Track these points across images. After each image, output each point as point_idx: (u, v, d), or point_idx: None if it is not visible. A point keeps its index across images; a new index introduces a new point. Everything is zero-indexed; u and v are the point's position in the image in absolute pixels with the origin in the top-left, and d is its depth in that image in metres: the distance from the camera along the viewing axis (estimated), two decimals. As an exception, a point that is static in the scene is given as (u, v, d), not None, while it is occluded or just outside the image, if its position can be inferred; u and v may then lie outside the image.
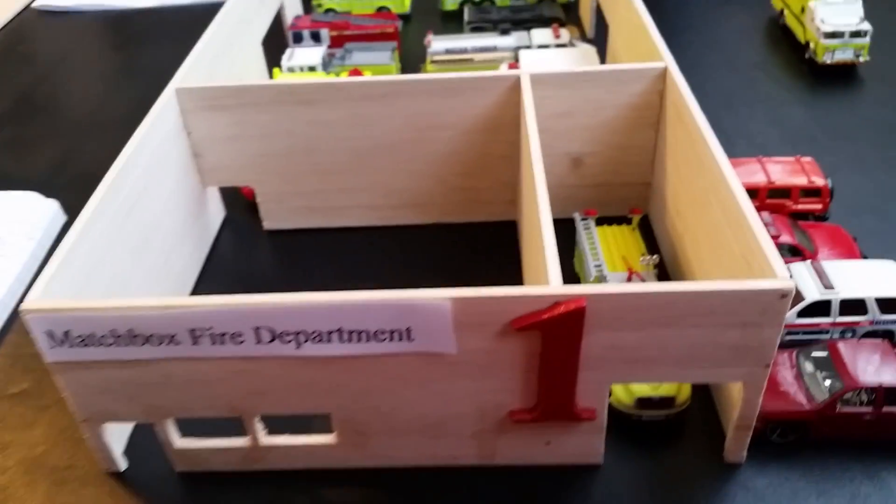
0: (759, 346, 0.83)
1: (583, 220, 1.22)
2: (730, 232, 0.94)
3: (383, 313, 0.82)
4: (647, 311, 0.81)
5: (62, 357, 0.88)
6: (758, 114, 1.63)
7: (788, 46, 1.88)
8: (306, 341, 0.85)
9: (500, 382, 0.89)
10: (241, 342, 0.85)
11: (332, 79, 1.25)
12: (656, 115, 1.25)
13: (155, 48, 2.14)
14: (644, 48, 1.33)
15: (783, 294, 0.79)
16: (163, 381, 0.90)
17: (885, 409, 0.94)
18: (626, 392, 0.98)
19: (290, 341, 0.85)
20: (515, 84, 1.22)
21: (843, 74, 1.74)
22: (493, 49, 1.72)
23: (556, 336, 0.83)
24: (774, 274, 0.80)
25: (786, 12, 1.91)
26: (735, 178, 0.94)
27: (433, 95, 1.24)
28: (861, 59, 1.71)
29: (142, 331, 0.85)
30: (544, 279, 0.86)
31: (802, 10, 1.80)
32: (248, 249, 1.38)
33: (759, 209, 1.24)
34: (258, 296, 0.83)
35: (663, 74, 1.20)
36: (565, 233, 1.28)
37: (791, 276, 1.06)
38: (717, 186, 0.98)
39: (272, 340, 0.85)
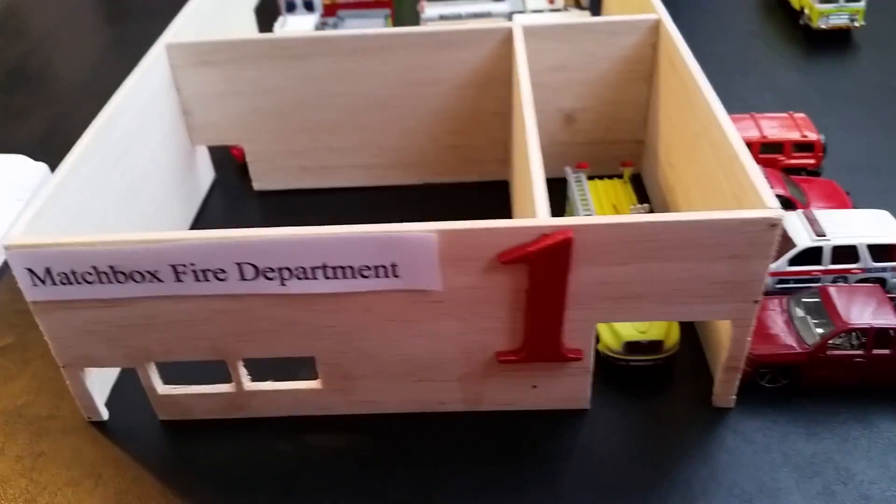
0: (747, 280, 0.82)
1: (574, 173, 1.21)
2: (721, 173, 0.93)
3: (368, 247, 0.81)
4: (633, 243, 0.80)
5: (43, 296, 0.87)
6: (752, 78, 1.62)
7: (784, 13, 1.87)
8: (290, 278, 0.84)
9: (487, 322, 0.88)
10: (225, 279, 0.84)
11: (323, 32, 1.24)
12: (649, 68, 1.23)
13: (150, 21, 2.11)
14: (637, 6, 1.32)
15: (772, 223, 0.78)
16: (145, 321, 0.89)
17: (876, 351, 0.93)
18: (613, 337, 0.97)
19: (273, 278, 0.84)
20: (508, 37, 1.21)
21: (839, 39, 1.73)
22: (488, 14, 1.71)
23: (544, 270, 0.82)
24: (764, 204, 0.79)
25: (781, -20, 1.90)
26: (727, 119, 0.93)
27: (425, 48, 1.23)
28: (856, 24, 1.70)
29: (123, 267, 0.84)
30: (532, 213, 0.85)
31: (798, -24, 1.79)
32: (237, 210, 1.37)
33: (751, 164, 1.23)
34: (241, 230, 0.82)
35: (656, 26, 1.19)
36: (558, 193, 1.27)
37: (784, 225, 1.06)
38: (708, 129, 0.97)
39: (256, 277, 0.84)
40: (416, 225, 0.80)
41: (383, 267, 0.83)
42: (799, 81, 1.60)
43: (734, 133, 0.90)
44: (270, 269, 0.83)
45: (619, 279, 0.83)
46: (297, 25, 1.74)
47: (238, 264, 0.83)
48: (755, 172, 0.83)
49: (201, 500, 0.90)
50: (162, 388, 0.97)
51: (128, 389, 1.02)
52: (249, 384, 0.95)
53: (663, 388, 0.98)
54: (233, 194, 1.40)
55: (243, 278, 0.84)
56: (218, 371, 0.94)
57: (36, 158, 1.48)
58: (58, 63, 1.96)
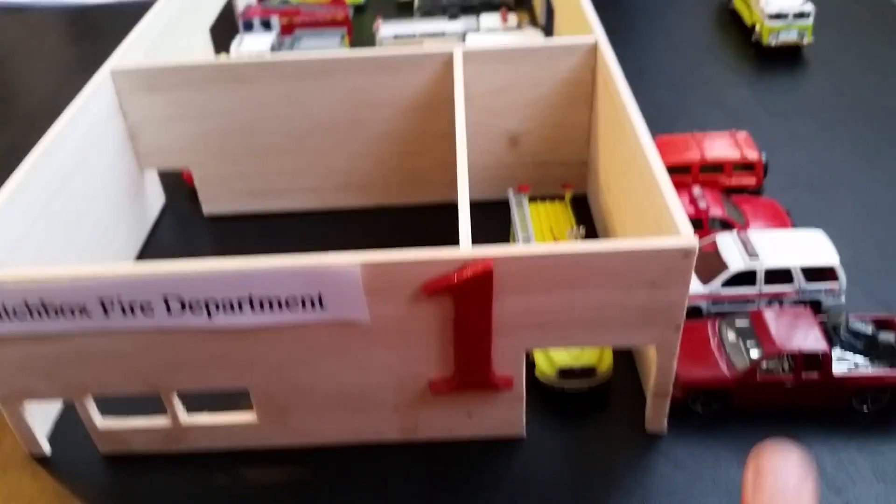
0: (667, 307, 0.83)
1: (515, 196, 1.22)
2: (645, 198, 0.94)
3: (293, 280, 0.82)
4: (553, 272, 0.81)
5: (-27, 332, 0.87)
6: (701, 94, 1.64)
7: (737, 30, 1.89)
8: (217, 311, 0.84)
9: (417, 351, 0.88)
10: (152, 313, 0.84)
11: (266, 57, 1.24)
12: (589, 91, 1.25)
13: (112, 41, 2.12)
14: (580, 26, 1.33)
15: (686, 253, 0.79)
16: (78, 356, 0.89)
17: (805, 375, 0.94)
18: (548, 363, 0.98)
19: (200, 311, 0.84)
20: (449, 61, 1.22)
21: (789, 57, 1.75)
22: (442, 34, 1.73)
23: (467, 300, 0.82)
24: (679, 232, 0.80)
25: (734, -3, 1.93)
26: (651, 144, 0.95)
27: (368, 72, 1.23)
28: (805, 41, 1.72)
29: (53, 302, 0.84)
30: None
31: (749, -7, 1.81)
32: (187, 235, 1.37)
33: (691, 184, 1.25)
34: (166, 262, 0.82)
35: (594, 49, 1.21)
36: (503, 213, 1.28)
37: (718, 247, 1.07)
38: (634, 154, 0.98)
39: (183, 311, 0.84)
40: (340, 256, 0.81)
41: (309, 298, 0.83)
42: (748, 98, 1.62)
43: (656, 158, 0.91)
44: (197, 301, 0.83)
45: (543, 307, 0.84)
46: (253, 45, 1.75)
47: (164, 298, 0.83)
48: (672, 199, 0.85)
49: (137, 533, 0.90)
50: (101, 422, 0.97)
51: (71, 424, 1.02)
52: (185, 417, 0.96)
53: (599, 414, 0.99)
54: (183, 219, 1.40)
55: (170, 312, 0.84)
56: (159, 404, 0.95)
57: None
58: (18, 82, 1.95)
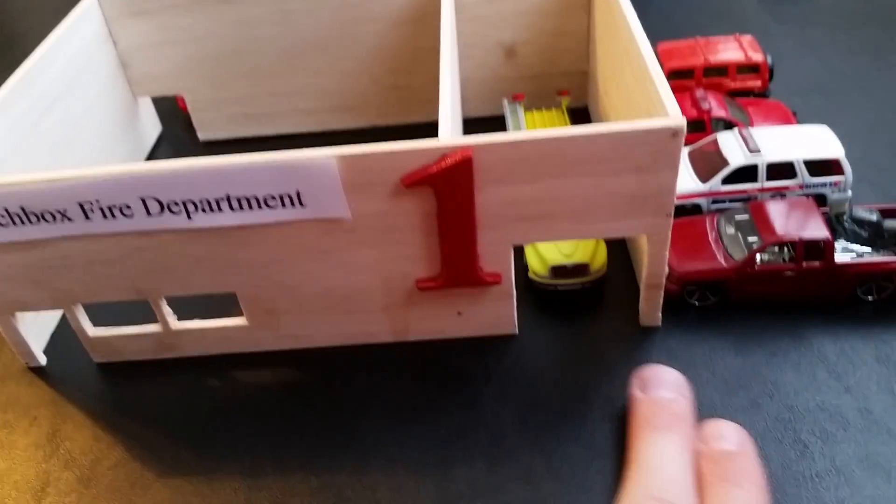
0: (656, 192, 0.81)
1: (510, 105, 1.19)
2: (638, 90, 0.91)
3: (269, 176, 0.80)
4: (536, 160, 0.78)
5: (-41, 242, 0.87)
6: (707, 5, 1.59)
7: (747, -59, 1.82)
8: (196, 211, 0.83)
9: (402, 248, 0.87)
10: (131, 215, 0.84)
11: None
12: (586, -5, 1.21)
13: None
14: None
15: (674, 132, 0.76)
16: (63, 262, 0.89)
17: (806, 264, 0.91)
18: (540, 262, 0.96)
19: (179, 212, 0.83)
20: (437, -31, 1.18)
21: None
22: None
23: (448, 191, 0.80)
24: (666, 113, 0.77)
25: None
26: (644, 37, 0.91)
27: (355, -16, 1.21)
28: (818, -54, 1.65)
29: (34, 208, 0.83)
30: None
31: None
32: (185, 161, 1.36)
33: (695, 88, 1.21)
34: (142, 164, 0.81)
35: (589, -50, 1.17)
36: (501, 128, 1.25)
37: (719, 144, 1.04)
38: (628, 49, 0.95)
39: (161, 212, 0.83)
40: (315, 150, 0.79)
41: (288, 195, 0.82)
42: (756, 7, 1.56)
43: (649, 50, 0.88)
44: (175, 202, 0.82)
45: (528, 198, 0.82)
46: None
47: (142, 199, 0.82)
48: (663, 85, 0.81)
49: (130, 435, 0.91)
50: (92, 331, 0.97)
51: (66, 336, 1.02)
52: (176, 323, 0.95)
53: (593, 311, 0.97)
54: (179, 146, 1.39)
55: (150, 214, 0.83)
56: (148, 312, 0.95)
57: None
58: (20, 26, 1.95)
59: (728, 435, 0.74)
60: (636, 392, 0.79)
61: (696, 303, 0.95)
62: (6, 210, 0.84)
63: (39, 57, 1.08)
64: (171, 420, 0.92)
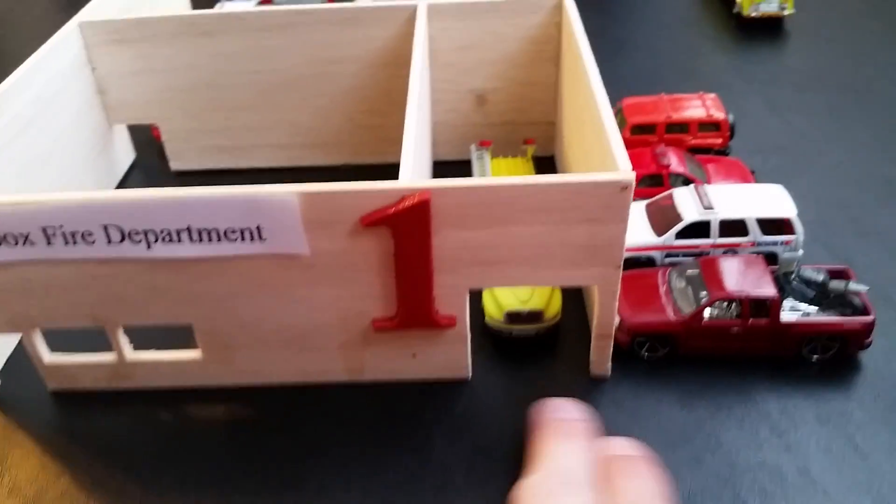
0: (606, 244, 0.83)
1: (477, 150, 1.22)
2: (595, 143, 0.93)
3: (231, 209, 0.82)
4: (493, 206, 0.81)
5: (-81, 260, 0.87)
6: (680, 63, 1.64)
7: (720, 3, 1.88)
8: (156, 241, 0.84)
9: (359, 288, 0.88)
10: (93, 242, 0.85)
11: (230, 10, 1.24)
12: (556, 48, 1.24)
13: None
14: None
15: (623, 186, 0.79)
16: (23, 285, 0.89)
17: (752, 320, 0.94)
18: (496, 307, 0.98)
19: (139, 241, 0.84)
20: (412, 15, 1.21)
21: (770, 28, 1.75)
22: None
23: (406, 233, 0.82)
24: (616, 168, 0.80)
25: (718, -30, 1.92)
26: (602, 92, 0.94)
27: (332, 25, 1.23)
28: (786, 12, 1.71)
29: (-5, 231, 0.84)
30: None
31: (731, -35, 1.80)
32: (155, 189, 1.37)
33: (656, 144, 1.25)
34: (104, 192, 0.83)
35: (559, 5, 1.20)
36: (469, 172, 1.28)
37: (674, 199, 1.07)
38: (588, 103, 0.98)
39: (122, 240, 0.84)
40: (277, 187, 0.81)
41: (248, 230, 0.83)
42: (725, 66, 1.62)
43: (606, 105, 0.91)
44: (136, 231, 0.84)
45: (484, 243, 0.84)
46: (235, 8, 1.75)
47: (104, 227, 0.83)
48: (617, 140, 0.84)
49: (78, 466, 0.91)
50: (48, 357, 0.97)
51: (22, 360, 1.02)
52: (131, 353, 0.96)
53: (545, 358, 0.99)
54: (151, 175, 1.41)
55: (111, 241, 0.84)
56: (106, 341, 0.95)
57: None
58: (7, 47, 1.96)
59: (628, 445, 0.76)
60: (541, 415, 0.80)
61: (646, 354, 0.97)
62: (-32, 231, 0.85)
63: (17, 79, 1.09)
64: (121, 452, 0.92)
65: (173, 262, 0.86)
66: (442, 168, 1.34)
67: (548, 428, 0.77)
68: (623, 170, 0.79)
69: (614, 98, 1.13)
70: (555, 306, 0.98)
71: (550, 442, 0.74)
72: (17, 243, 0.85)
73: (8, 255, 0.86)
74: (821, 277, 0.97)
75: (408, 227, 0.82)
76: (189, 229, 0.83)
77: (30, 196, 0.83)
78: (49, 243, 0.85)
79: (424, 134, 1.08)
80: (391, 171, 1.37)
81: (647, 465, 0.72)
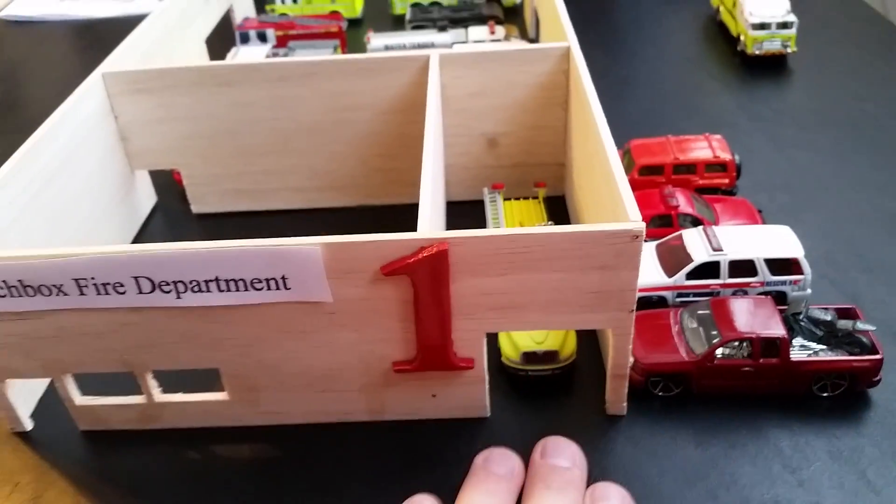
0: (619, 290, 0.86)
1: (490, 193, 1.25)
2: (605, 190, 0.97)
3: (257, 260, 0.85)
4: (508, 255, 0.84)
5: (-43, 311, 0.91)
6: (685, 102, 1.67)
7: (723, 41, 1.92)
8: (185, 291, 0.88)
9: (379, 332, 0.91)
10: (124, 292, 0.88)
11: (250, 60, 1.29)
12: (564, 94, 1.28)
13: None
14: (560, 35, 1.37)
15: (634, 235, 0.82)
16: (56, 333, 0.93)
17: (763, 360, 0.96)
18: (512, 348, 1.01)
19: (169, 291, 0.88)
20: (426, 64, 1.26)
21: (773, 65, 1.78)
22: (430, 45, 1.77)
23: (425, 280, 0.85)
24: (627, 217, 0.83)
25: (721, 8, 1.96)
26: (610, 140, 0.97)
27: (348, 75, 1.28)
28: (789, 50, 1.75)
29: (31, 281, 0.88)
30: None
31: (734, 4, 1.84)
32: (175, 232, 1.41)
33: (664, 185, 1.28)
34: (137, 245, 0.86)
35: (567, 54, 1.24)
36: (481, 212, 1.31)
37: (684, 241, 1.10)
38: (597, 151, 1.01)
39: (153, 290, 0.88)
40: (302, 239, 0.84)
41: (274, 279, 0.86)
42: (730, 105, 1.65)
43: (615, 154, 0.94)
44: (166, 282, 0.87)
45: (500, 289, 0.87)
46: (249, 56, 1.80)
47: (135, 278, 0.87)
48: (626, 190, 0.87)
49: (112, 503, 0.93)
50: (79, 399, 1.00)
51: (54, 401, 1.05)
52: (160, 395, 0.99)
53: (562, 397, 1.02)
54: (173, 217, 1.44)
55: (141, 291, 0.88)
56: (135, 383, 0.98)
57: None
58: (24, 93, 2.02)
59: (613, 495, 0.81)
60: (536, 457, 0.86)
61: (660, 393, 0.99)
62: (4, 282, 0.88)
63: (45, 132, 1.14)
64: (150, 490, 0.95)
65: (201, 309, 0.89)
66: (455, 208, 1.37)
67: (542, 475, 0.82)
68: (634, 219, 0.82)
69: (621, 139, 1.16)
70: (570, 347, 1.01)
71: (542, 496, 0.80)
72: (50, 293, 0.89)
73: (42, 304, 0.90)
74: (829, 317, 1.00)
75: (426, 276, 0.85)
76: (217, 279, 0.87)
77: (63, 250, 0.87)
78: (81, 293, 0.89)
79: (439, 178, 1.11)
80: (404, 210, 1.42)
81: None
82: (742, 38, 1.80)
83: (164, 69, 1.29)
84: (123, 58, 1.36)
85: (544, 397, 1.02)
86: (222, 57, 1.82)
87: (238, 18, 1.99)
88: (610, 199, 0.93)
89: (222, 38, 1.87)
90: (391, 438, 0.98)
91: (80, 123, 1.23)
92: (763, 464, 0.92)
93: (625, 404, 0.97)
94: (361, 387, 0.97)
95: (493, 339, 1.04)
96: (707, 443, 0.95)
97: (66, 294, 0.89)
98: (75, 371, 0.97)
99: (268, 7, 2.14)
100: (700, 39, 1.96)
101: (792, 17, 1.73)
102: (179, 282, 0.87)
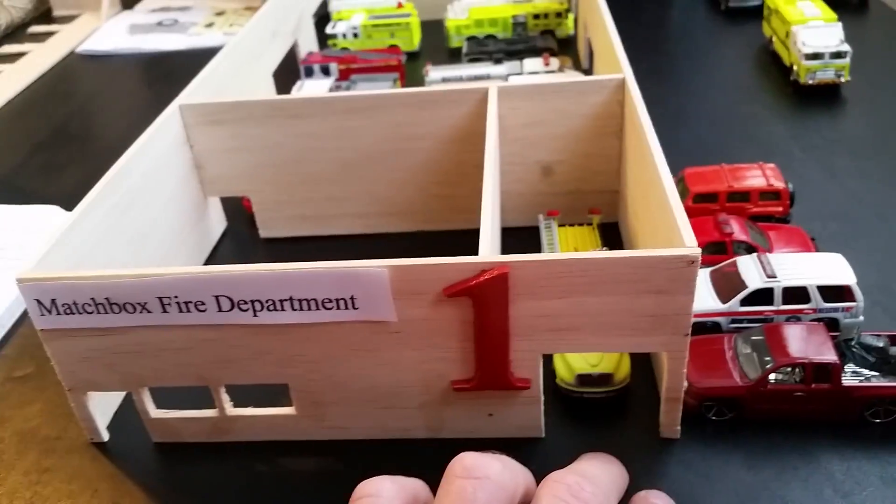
0: (674, 314, 0.89)
1: (545, 220, 1.29)
2: (660, 217, 1.00)
3: (328, 282, 0.91)
4: (564, 278, 0.88)
5: (50, 325, 0.98)
6: (738, 131, 1.70)
7: (776, 70, 1.94)
8: (262, 309, 0.93)
9: (441, 352, 0.96)
10: (205, 310, 0.94)
11: (319, 94, 1.36)
12: (619, 124, 1.32)
13: (185, 84, 2.31)
14: (615, 66, 1.41)
15: (690, 261, 0.85)
16: (137, 349, 0.99)
17: (815, 385, 0.98)
18: (567, 370, 1.04)
19: (247, 309, 0.94)
20: (484, 96, 1.31)
21: (827, 94, 1.80)
22: (486, 77, 1.83)
23: (485, 302, 0.90)
24: (683, 243, 0.86)
25: (774, 38, 1.98)
26: (666, 169, 1.01)
27: (410, 107, 1.34)
28: (842, 79, 1.76)
29: (117, 299, 0.95)
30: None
31: (787, 34, 1.87)
32: (245, 255, 1.48)
33: (718, 212, 1.30)
34: (219, 266, 0.93)
35: (622, 85, 1.28)
36: (536, 238, 1.35)
37: (738, 267, 1.12)
38: (654, 180, 1.05)
39: (231, 308, 0.94)
40: (370, 262, 0.90)
41: (343, 299, 0.92)
42: (783, 134, 1.67)
43: (670, 182, 0.98)
44: (244, 301, 0.93)
45: (556, 312, 0.91)
46: (313, 89, 1.88)
47: (216, 297, 0.93)
48: (682, 216, 0.91)
49: (184, 513, 0.99)
50: (154, 412, 1.06)
51: (128, 414, 1.12)
52: (231, 409, 1.05)
53: (616, 419, 1.04)
54: (242, 241, 1.52)
55: (220, 310, 0.94)
56: (207, 399, 1.04)
57: (69, 209, 1.62)
58: (98, 122, 2.14)
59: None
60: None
61: (713, 417, 1.01)
62: (92, 300, 0.95)
63: (128, 159, 1.22)
64: (220, 500, 1.00)
65: (275, 327, 0.95)
66: (510, 233, 1.42)
67: (448, 485, 0.81)
68: (689, 245, 0.86)
69: (675, 166, 1.19)
70: (624, 370, 1.04)
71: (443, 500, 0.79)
72: (135, 311, 0.96)
73: (126, 321, 0.97)
74: (881, 343, 1.01)
75: (487, 298, 0.89)
76: (291, 299, 0.92)
77: (148, 270, 0.93)
78: (164, 311, 0.95)
79: (497, 204, 1.16)
80: (461, 236, 1.47)
81: None
82: (795, 67, 1.81)
83: (236, 102, 1.37)
84: (197, 91, 1.44)
85: (598, 419, 1.05)
86: (288, 89, 1.91)
87: (303, 53, 2.07)
88: (665, 226, 0.97)
89: (288, 72, 1.96)
90: (449, 455, 1.01)
91: (158, 152, 1.31)
92: (814, 488, 0.93)
93: (678, 427, 1.00)
94: (421, 404, 1.01)
95: (547, 363, 1.08)
96: (759, 466, 0.97)
97: (149, 311, 0.95)
98: (153, 385, 1.03)
99: (330, 42, 2.23)
100: (753, 69, 1.98)
101: (845, 47, 1.75)
102: (256, 300, 0.93)
